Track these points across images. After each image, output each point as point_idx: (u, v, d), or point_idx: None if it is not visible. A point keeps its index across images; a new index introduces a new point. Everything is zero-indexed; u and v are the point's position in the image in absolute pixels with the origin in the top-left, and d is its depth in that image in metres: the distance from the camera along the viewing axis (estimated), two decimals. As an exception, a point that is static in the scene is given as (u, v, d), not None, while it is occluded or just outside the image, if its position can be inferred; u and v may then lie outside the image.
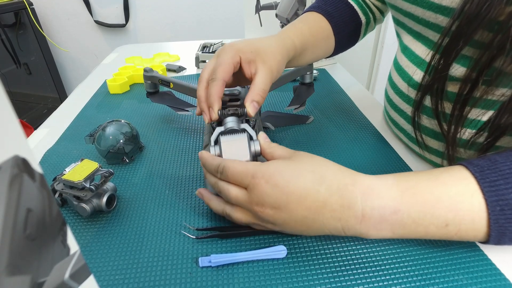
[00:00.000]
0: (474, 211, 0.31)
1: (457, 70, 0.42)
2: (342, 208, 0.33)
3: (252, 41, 0.46)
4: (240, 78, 0.45)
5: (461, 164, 0.34)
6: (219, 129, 0.41)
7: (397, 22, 0.55)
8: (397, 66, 0.55)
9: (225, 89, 0.47)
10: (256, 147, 0.39)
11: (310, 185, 0.33)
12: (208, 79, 0.43)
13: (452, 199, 0.32)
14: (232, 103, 0.48)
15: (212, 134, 0.42)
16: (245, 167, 0.35)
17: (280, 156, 0.38)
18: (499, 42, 0.34)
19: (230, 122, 0.42)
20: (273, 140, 0.58)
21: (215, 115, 0.41)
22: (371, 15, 0.63)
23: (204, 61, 0.91)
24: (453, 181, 0.33)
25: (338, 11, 0.60)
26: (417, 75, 0.48)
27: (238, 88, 0.50)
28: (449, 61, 0.39)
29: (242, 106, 0.45)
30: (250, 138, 0.41)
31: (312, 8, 0.61)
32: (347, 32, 0.61)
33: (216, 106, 0.41)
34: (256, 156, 0.40)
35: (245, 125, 0.42)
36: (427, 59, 0.44)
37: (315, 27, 0.57)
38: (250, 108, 0.41)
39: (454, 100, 0.41)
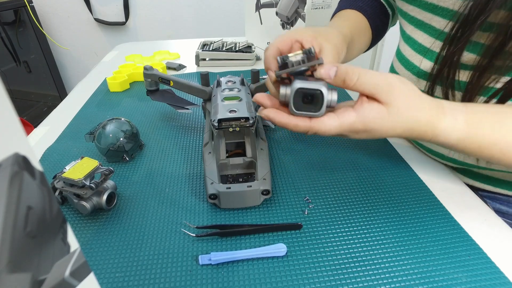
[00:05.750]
0: None
1: (466, 57, 0.42)
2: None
3: (309, 27, 0.46)
4: None
5: None
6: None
7: (400, 11, 0.55)
8: (400, 56, 0.56)
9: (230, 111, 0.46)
10: (333, 96, 0.36)
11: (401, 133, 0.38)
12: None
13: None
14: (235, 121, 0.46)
15: (211, 132, 0.41)
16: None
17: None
18: None
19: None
20: (273, 138, 0.59)
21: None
22: (394, 8, 0.65)
23: (204, 59, 0.91)
24: None
25: (369, 5, 0.62)
26: (424, 64, 0.49)
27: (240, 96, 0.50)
28: (466, 38, 0.40)
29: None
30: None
31: (345, 6, 0.63)
32: (379, 24, 0.64)
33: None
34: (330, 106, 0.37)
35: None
36: (433, 47, 0.44)
37: (356, 21, 0.59)
38: (323, 69, 0.36)
39: (465, 87, 0.42)
